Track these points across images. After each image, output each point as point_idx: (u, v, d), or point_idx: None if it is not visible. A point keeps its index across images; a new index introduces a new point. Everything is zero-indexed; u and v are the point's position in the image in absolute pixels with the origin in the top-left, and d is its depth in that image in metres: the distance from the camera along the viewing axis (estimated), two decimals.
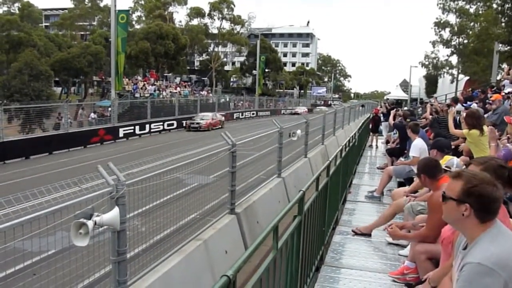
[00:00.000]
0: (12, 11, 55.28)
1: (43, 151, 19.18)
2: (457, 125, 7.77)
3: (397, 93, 54.83)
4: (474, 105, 9.93)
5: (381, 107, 19.20)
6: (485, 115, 8.15)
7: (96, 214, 4.12)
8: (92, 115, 28.75)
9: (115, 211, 4.40)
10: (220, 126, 32.06)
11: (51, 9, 77.22)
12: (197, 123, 30.64)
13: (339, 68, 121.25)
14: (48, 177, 13.74)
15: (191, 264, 6.28)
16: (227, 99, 49.36)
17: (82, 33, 63.99)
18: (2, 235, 3.43)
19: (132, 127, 25.96)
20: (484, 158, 3.23)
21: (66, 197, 4.31)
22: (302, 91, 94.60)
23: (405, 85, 61.41)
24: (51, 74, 32.19)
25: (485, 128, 5.49)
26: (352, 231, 5.50)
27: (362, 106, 37.38)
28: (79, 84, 50.69)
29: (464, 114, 6.12)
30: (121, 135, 24.60)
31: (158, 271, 5.63)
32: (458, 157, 5.37)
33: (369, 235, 5.35)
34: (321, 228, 4.71)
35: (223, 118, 34.62)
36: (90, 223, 3.95)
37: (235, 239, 7.97)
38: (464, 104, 9.34)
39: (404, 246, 4.98)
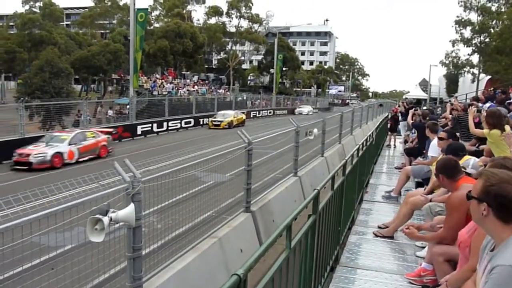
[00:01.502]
0: (34, 9, 56.25)
1: None
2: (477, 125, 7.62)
3: (416, 93, 53.99)
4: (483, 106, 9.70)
5: (399, 106, 18.96)
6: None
7: (112, 210, 4.15)
8: (110, 112, 29.10)
9: (131, 207, 4.43)
10: (241, 124, 31.95)
11: (72, 8, 78.38)
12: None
13: (357, 66, 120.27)
14: (66, 174, 13.95)
15: (206, 262, 6.29)
16: (244, 98, 49.41)
17: (102, 31, 64.81)
18: (20, 230, 3.48)
19: (150, 125, 26.16)
20: (499, 158, 3.16)
21: (83, 193, 4.36)
22: (319, 89, 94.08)
23: (424, 85, 60.51)
24: (71, 72, 32.68)
25: (507, 128, 5.35)
26: (374, 233, 5.43)
27: (380, 105, 37.00)
28: (99, 82, 51.39)
29: (485, 113, 5.97)
30: (139, 132, 24.82)
31: (173, 268, 5.65)
32: (478, 157, 5.26)
33: (391, 237, 5.26)
34: (336, 227, 4.65)
35: (244, 116, 34.90)
36: (105, 219, 3.98)
37: (250, 238, 7.96)
38: (480, 105, 9.12)
39: (421, 247, 4.89)
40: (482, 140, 6.91)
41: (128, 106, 27.17)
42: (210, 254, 6.49)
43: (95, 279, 4.71)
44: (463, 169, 3.93)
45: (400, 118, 16.58)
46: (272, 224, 8.97)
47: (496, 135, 5.41)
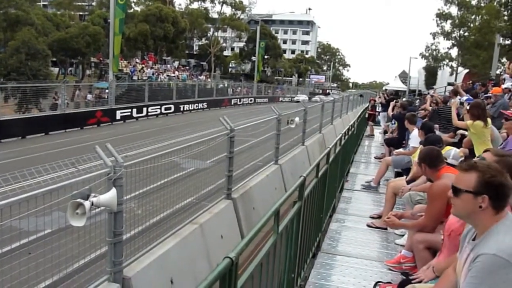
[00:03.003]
0: None
1: (39, 131, 19.08)
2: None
3: (396, 84, 54.65)
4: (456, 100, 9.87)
5: (379, 97, 19.17)
6: None
7: (93, 195, 4.10)
8: (89, 96, 28.57)
9: (113, 192, 4.38)
10: None
11: None
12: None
13: (339, 57, 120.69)
14: (45, 157, 13.67)
15: (186, 248, 6.28)
16: (226, 85, 49.13)
17: (80, 13, 63.25)
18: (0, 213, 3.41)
19: (130, 110, 25.81)
20: (503, 152, 3.21)
21: (63, 177, 4.28)
22: (300, 79, 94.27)
23: (404, 76, 61.25)
24: (48, 53, 31.84)
25: (489, 120, 5.46)
26: (368, 225, 5.51)
27: (361, 96, 37.31)
28: (77, 65, 50.26)
29: (468, 106, 6.09)
30: (118, 117, 24.47)
31: (153, 254, 5.62)
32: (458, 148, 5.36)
33: (385, 228, 5.33)
34: (319, 215, 4.70)
35: None
36: (87, 204, 3.93)
37: (230, 224, 7.98)
38: (460, 98, 9.29)
39: (400, 235, 5.00)
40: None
41: (107, 91, 26.70)
42: (191, 240, 6.48)
43: (75, 263, 4.66)
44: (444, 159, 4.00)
45: (380, 109, 16.79)
46: (253, 211, 9.01)
47: (479, 126, 5.52)
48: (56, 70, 45.02)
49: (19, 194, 3.65)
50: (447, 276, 2.47)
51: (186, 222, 6.72)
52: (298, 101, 49.16)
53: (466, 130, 6.47)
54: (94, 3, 61.54)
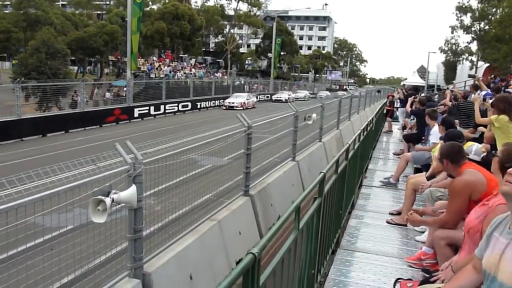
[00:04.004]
0: None
1: (60, 129, 19.41)
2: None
3: (414, 79, 53.95)
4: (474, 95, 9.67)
5: (398, 93, 18.94)
6: None
7: (114, 192, 4.16)
8: (108, 94, 28.91)
9: (133, 189, 4.43)
10: (253, 107, 35.40)
11: None
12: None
13: (355, 52, 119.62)
14: (66, 155, 13.91)
15: (205, 244, 6.33)
16: (242, 82, 49.14)
17: (98, 12, 64.04)
18: (23, 210, 3.48)
19: (147, 108, 26.05)
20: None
21: (85, 174, 4.35)
22: (317, 75, 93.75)
23: (422, 71, 60.29)
24: (67, 52, 32.27)
25: None
26: (387, 222, 5.46)
27: (378, 91, 36.94)
28: (95, 63, 50.94)
29: (494, 99, 5.94)
30: (136, 115, 24.72)
31: (173, 250, 5.68)
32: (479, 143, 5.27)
33: (405, 225, 5.27)
34: (338, 211, 4.68)
35: (255, 99, 38.15)
36: (108, 200, 3.98)
37: (248, 221, 8.01)
38: (478, 92, 9.10)
39: (421, 232, 4.94)
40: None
41: (125, 89, 26.99)
42: (209, 236, 6.53)
43: (96, 259, 4.73)
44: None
45: (398, 104, 16.60)
46: (270, 208, 9.02)
47: (504, 120, 5.39)
48: (75, 68, 45.70)
49: (41, 191, 3.72)
50: (465, 273, 2.43)
51: (205, 218, 6.77)
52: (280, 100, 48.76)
53: (485, 126, 6.35)
54: (111, 2, 62.20)
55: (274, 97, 46.21)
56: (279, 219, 7.56)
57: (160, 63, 42.12)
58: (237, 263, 5.53)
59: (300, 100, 46.29)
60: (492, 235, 2.21)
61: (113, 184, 4.35)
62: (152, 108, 26.40)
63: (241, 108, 32.67)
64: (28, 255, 4.09)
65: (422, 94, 22.64)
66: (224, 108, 33.70)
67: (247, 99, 35.28)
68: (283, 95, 48.60)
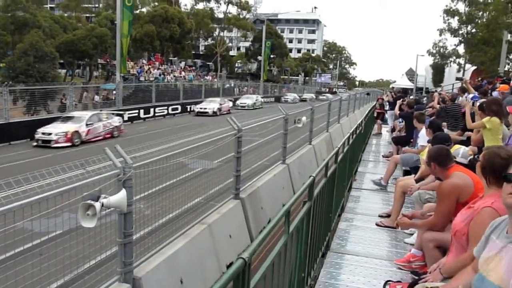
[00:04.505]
0: None
1: None
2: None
3: (403, 82, 54.31)
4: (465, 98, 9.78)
5: (387, 95, 19.10)
6: None
7: (104, 196, 4.14)
8: (97, 97, 28.73)
9: (122, 193, 4.42)
10: (228, 112, 31.95)
11: None
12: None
13: (345, 55, 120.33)
14: (55, 159, 13.80)
15: (195, 248, 6.33)
16: (232, 85, 49.19)
17: (87, 15, 63.60)
18: (12, 215, 3.45)
19: (137, 111, 25.94)
20: (494, 147, 3.23)
21: (74, 179, 4.33)
22: (307, 77, 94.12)
23: (411, 74, 60.83)
24: (56, 56, 32.02)
25: (510, 118, 5.37)
26: (377, 224, 5.49)
27: (368, 94, 37.22)
28: (84, 66, 50.54)
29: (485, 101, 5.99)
30: (125, 118, 24.57)
31: (163, 254, 5.67)
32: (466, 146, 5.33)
33: (394, 228, 5.28)
34: (328, 214, 4.71)
35: (230, 104, 35.04)
36: (97, 205, 3.96)
37: (239, 224, 8.01)
38: (468, 97, 9.21)
39: (410, 234, 4.98)
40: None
41: (114, 92, 26.85)
42: (200, 240, 6.52)
43: (86, 264, 4.71)
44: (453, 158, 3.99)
45: (387, 107, 16.72)
46: (261, 211, 9.04)
47: (496, 122, 5.47)
48: (63, 72, 45.32)
49: (31, 196, 3.69)
50: (464, 275, 2.47)
51: (195, 222, 6.77)
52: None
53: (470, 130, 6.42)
54: (100, 5, 61.83)
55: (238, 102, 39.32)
56: (269, 222, 7.59)
57: (150, 66, 42.00)
58: (228, 266, 5.56)
59: (289, 103, 46.59)
60: (489, 237, 2.25)
61: (102, 189, 4.34)
62: (141, 111, 26.29)
63: (213, 114, 29.82)
64: (17, 260, 4.05)
65: (411, 97, 22.85)
66: (195, 114, 30.63)
67: (221, 104, 31.99)
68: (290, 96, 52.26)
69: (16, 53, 29.83)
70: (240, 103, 37.78)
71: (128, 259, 4.77)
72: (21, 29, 38.09)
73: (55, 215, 4.10)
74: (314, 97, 56.28)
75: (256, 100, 39.56)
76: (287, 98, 52.44)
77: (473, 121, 6.27)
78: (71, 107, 21.65)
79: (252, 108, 36.90)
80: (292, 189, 11.17)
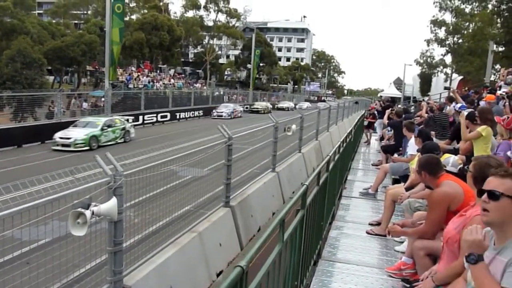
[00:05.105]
0: None
1: (36, 140, 18.97)
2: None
3: (391, 91, 54.91)
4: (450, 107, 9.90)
5: (376, 104, 19.28)
6: None
7: (94, 204, 4.11)
8: (85, 104, 28.52)
9: (113, 201, 4.39)
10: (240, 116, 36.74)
11: None
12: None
13: (333, 64, 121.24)
14: (43, 166, 13.63)
15: (186, 256, 6.30)
16: (221, 92, 49.21)
17: (76, 21, 63.32)
18: (1, 223, 3.41)
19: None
20: (483, 157, 3.29)
21: (63, 186, 4.29)
22: (296, 86, 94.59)
23: (398, 83, 61.54)
24: (44, 62, 31.77)
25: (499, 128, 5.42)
26: (367, 232, 5.51)
27: (356, 103, 37.51)
28: (72, 73, 50.22)
29: (477, 111, 6.02)
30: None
31: (153, 262, 5.63)
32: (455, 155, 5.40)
33: (384, 235, 5.31)
34: (319, 222, 4.73)
35: (241, 109, 39.55)
36: (88, 213, 3.94)
37: (229, 232, 8.00)
38: (455, 106, 9.33)
39: (400, 242, 5.02)
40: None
41: (103, 99, 26.68)
42: (190, 248, 6.50)
43: (75, 272, 4.65)
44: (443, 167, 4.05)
45: (376, 115, 16.86)
46: (251, 219, 9.03)
47: (490, 131, 5.55)
48: (51, 78, 44.97)
49: (20, 203, 3.65)
50: (457, 286, 2.50)
51: (185, 230, 6.74)
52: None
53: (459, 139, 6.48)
54: (89, 12, 61.64)
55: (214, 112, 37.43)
56: (259, 230, 7.60)
57: (139, 73, 41.87)
58: (218, 275, 5.52)
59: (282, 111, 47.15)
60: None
61: (93, 196, 4.30)
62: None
63: (229, 117, 34.25)
64: (5, 269, 3.99)
65: (399, 106, 23.09)
66: (213, 118, 34.29)
67: (234, 109, 36.70)
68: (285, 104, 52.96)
69: (3, 60, 29.57)
70: (217, 112, 35.63)
71: (118, 268, 4.73)
72: (9, 35, 37.80)
73: (45, 223, 4.06)
74: (310, 105, 56.16)
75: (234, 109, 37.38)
76: (283, 106, 53.30)
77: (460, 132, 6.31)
78: (59, 114, 21.43)
79: (229, 117, 34.45)
80: (282, 197, 11.19)
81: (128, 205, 5.35)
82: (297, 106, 52.65)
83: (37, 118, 21.92)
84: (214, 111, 35.93)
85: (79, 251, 4.54)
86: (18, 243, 4.17)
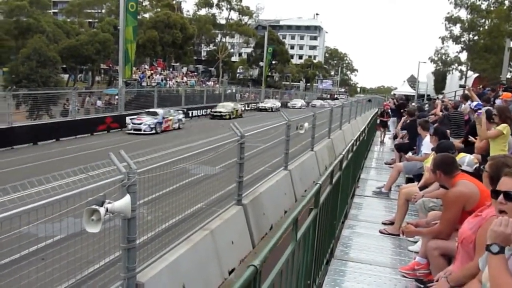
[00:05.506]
0: None
1: (51, 137, 19.28)
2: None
3: (404, 89, 54.39)
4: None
5: (389, 102, 19.11)
6: None
7: (108, 201, 4.15)
8: (99, 102, 28.80)
9: (127, 198, 4.42)
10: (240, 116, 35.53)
11: None
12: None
13: (346, 61, 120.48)
14: (57, 163, 13.82)
15: (198, 253, 6.32)
16: (234, 90, 49.31)
17: (90, 20, 63.95)
18: (17, 219, 3.46)
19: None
20: (499, 156, 3.23)
21: (78, 184, 4.34)
22: (308, 84, 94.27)
23: (412, 81, 60.87)
24: (58, 60, 32.13)
25: None
26: (380, 232, 5.47)
27: (369, 100, 37.27)
28: (86, 71, 50.74)
29: (496, 109, 5.92)
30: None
31: (166, 260, 5.66)
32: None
33: (397, 235, 5.27)
34: (332, 221, 4.71)
35: (242, 108, 38.28)
36: (102, 210, 3.97)
37: (241, 230, 8.01)
38: (471, 104, 9.18)
39: (414, 242, 4.97)
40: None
41: (116, 97, 26.92)
42: (202, 246, 6.52)
43: (89, 268, 4.71)
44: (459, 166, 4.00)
45: (390, 114, 16.70)
46: (263, 217, 9.03)
47: (509, 130, 5.48)
48: (66, 76, 45.49)
49: (36, 201, 3.70)
50: (475, 285, 2.46)
51: (198, 228, 6.77)
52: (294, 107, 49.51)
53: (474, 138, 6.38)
54: (103, 11, 62.18)
55: (260, 105, 45.89)
56: (271, 228, 7.60)
57: (152, 72, 42.13)
58: (230, 272, 5.54)
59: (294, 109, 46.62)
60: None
61: (107, 194, 4.34)
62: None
63: (228, 117, 32.28)
64: (21, 265, 4.05)
65: (413, 104, 22.86)
66: (211, 117, 33.30)
67: (234, 108, 35.15)
68: (298, 103, 51.15)
69: (19, 58, 29.93)
70: (214, 112, 34.02)
71: (131, 264, 4.76)
72: (25, 34, 38.32)
73: (60, 220, 4.11)
74: (323, 102, 55.30)
75: (234, 108, 35.52)
76: (295, 104, 52.28)
77: (475, 130, 6.22)
78: (73, 112, 21.72)
79: (228, 118, 32.28)
80: (294, 195, 11.17)
81: (141, 202, 5.39)
82: (310, 104, 52.34)
83: (52, 116, 22.21)
84: (212, 110, 34.13)
85: (93, 247, 4.58)
86: (34, 239, 4.24)
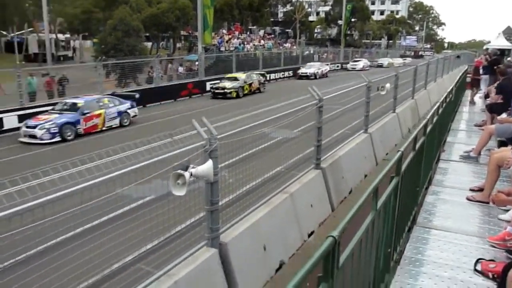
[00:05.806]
0: None
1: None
2: None
3: (499, 42, 49.54)
4: None
5: (480, 58, 17.61)
6: None
7: (192, 166, 4.35)
8: (180, 69, 29.81)
9: (209, 163, 4.61)
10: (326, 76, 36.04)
11: None
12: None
13: (432, 15, 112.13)
14: (147, 128, 14.75)
15: (278, 216, 6.48)
16: (311, 51, 48.38)
17: None
18: (112, 184, 3.78)
19: (218, 81, 26.54)
20: None
21: (163, 147, 4.60)
22: (390, 41, 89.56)
23: (509, 33, 55.24)
24: (142, 29, 33.49)
25: None
26: (467, 199, 5.21)
27: (458, 57, 34.62)
28: (168, 39, 52.40)
29: None
30: (207, 88, 25.29)
31: (247, 221, 5.89)
32: None
33: (487, 202, 4.99)
34: (415, 188, 4.55)
35: (328, 68, 38.29)
36: (187, 174, 4.17)
37: (320, 194, 8.05)
38: None
39: (505, 210, 4.67)
40: None
41: (197, 63, 27.65)
42: (282, 208, 6.67)
43: (177, 227, 5.04)
44: None
45: (481, 71, 15.42)
46: (342, 181, 8.97)
47: None
48: (149, 45, 47.41)
49: (128, 165, 4.01)
50: None
51: (277, 191, 6.92)
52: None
53: None
54: None
55: (349, 66, 44.85)
56: (351, 192, 7.54)
57: (230, 36, 42.48)
58: (309, 235, 5.62)
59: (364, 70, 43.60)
60: None
61: (190, 159, 4.57)
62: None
63: (314, 77, 33.69)
64: (117, 224, 4.45)
65: (508, 59, 20.88)
66: (298, 78, 34.40)
67: (319, 69, 35.65)
68: (359, 64, 45.47)
69: (107, 29, 31.61)
70: (302, 73, 35.26)
71: (215, 225, 5.02)
72: (111, 5, 40.12)
73: (149, 182, 4.42)
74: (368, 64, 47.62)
75: (319, 69, 35.87)
76: (355, 66, 44.20)
77: None
78: (157, 79, 22.71)
79: (313, 78, 33.77)
80: (375, 158, 10.92)
81: (222, 165, 5.60)
82: (377, 64, 47.91)
83: (139, 84, 23.43)
84: (298, 71, 35.70)
85: (179, 209, 4.88)
86: (127, 201, 4.63)
